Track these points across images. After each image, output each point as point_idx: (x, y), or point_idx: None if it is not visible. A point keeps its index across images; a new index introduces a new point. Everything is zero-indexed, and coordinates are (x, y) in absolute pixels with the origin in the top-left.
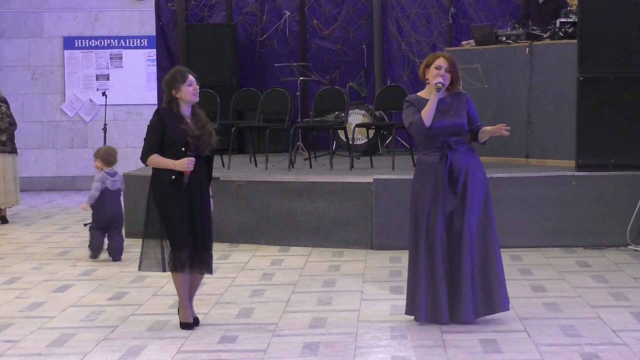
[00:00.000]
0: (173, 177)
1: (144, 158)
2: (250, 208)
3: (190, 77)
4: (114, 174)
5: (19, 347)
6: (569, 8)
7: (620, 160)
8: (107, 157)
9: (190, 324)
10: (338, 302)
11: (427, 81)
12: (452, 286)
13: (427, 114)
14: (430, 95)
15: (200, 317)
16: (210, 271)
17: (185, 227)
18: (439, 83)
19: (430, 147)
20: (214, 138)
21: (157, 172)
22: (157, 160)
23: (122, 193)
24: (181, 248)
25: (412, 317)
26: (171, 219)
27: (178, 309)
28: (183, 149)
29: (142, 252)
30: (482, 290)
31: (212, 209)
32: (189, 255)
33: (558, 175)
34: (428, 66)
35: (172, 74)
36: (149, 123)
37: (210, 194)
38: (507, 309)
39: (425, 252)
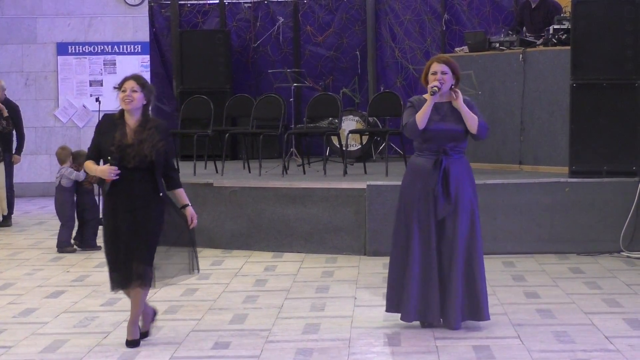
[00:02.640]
0: (107, 191)
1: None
2: (243, 214)
3: (126, 84)
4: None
5: (12, 353)
6: (562, 15)
7: (614, 167)
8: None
9: (133, 341)
10: (331, 308)
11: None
12: (442, 291)
13: (422, 117)
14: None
15: (193, 323)
16: (142, 283)
17: (114, 246)
18: (434, 87)
19: (425, 150)
20: (147, 150)
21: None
22: (88, 166)
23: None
24: (113, 268)
25: (402, 322)
26: (104, 236)
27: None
28: (109, 157)
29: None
30: (468, 297)
31: (190, 219)
32: (124, 275)
33: (551, 182)
34: (428, 73)
35: None
36: None
37: (173, 204)
38: (488, 318)
39: (418, 253)
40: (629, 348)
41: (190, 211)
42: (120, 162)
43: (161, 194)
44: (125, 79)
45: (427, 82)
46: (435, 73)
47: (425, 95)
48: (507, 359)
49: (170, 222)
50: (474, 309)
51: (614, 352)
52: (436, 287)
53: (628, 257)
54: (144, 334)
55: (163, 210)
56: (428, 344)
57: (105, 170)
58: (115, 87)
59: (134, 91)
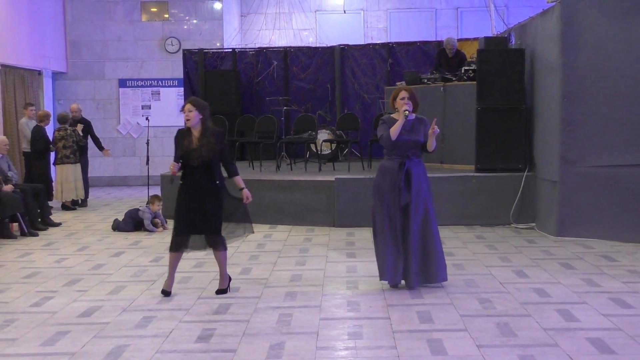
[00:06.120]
0: (180, 182)
1: None
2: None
3: (185, 107)
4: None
5: (86, 295)
6: (471, 58)
7: (506, 165)
8: None
9: (166, 292)
10: (310, 264)
11: (397, 109)
12: (406, 260)
13: (395, 131)
14: (399, 118)
15: (214, 274)
16: (216, 248)
17: (183, 219)
18: (406, 110)
19: (393, 155)
20: (205, 152)
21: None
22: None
23: (135, 216)
24: (177, 234)
25: (359, 273)
26: (176, 211)
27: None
28: (181, 160)
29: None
30: (424, 265)
31: (246, 198)
32: (183, 240)
33: (463, 176)
34: (395, 98)
35: None
36: None
37: (225, 190)
38: (445, 279)
39: (389, 232)
40: (516, 290)
41: (245, 192)
42: (187, 161)
43: (217, 183)
44: (185, 103)
45: (394, 104)
46: (403, 98)
47: (393, 115)
48: (431, 299)
49: (227, 202)
50: (429, 274)
51: (506, 294)
52: (401, 258)
53: (515, 227)
54: (223, 291)
55: (220, 194)
56: (377, 289)
57: (169, 166)
58: (180, 110)
59: (190, 111)
